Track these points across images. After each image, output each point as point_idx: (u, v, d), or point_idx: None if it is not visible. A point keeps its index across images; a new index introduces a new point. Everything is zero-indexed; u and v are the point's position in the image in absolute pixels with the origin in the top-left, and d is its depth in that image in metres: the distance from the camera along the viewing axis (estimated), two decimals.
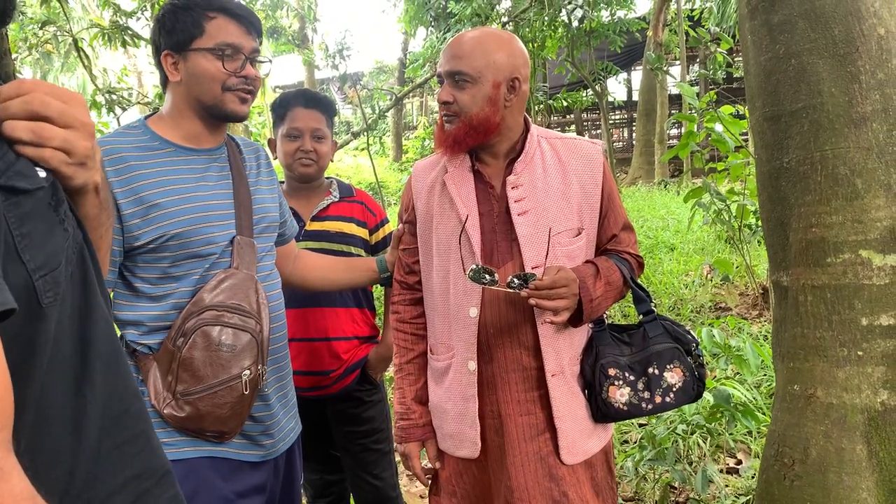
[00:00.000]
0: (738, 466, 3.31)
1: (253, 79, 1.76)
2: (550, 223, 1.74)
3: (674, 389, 1.80)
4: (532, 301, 1.63)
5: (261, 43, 1.82)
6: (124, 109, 8.62)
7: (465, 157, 1.85)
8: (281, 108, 2.45)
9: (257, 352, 1.71)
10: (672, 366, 1.80)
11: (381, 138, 22.34)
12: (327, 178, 2.59)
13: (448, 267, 1.82)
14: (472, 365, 1.78)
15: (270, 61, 1.93)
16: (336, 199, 2.49)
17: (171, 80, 1.74)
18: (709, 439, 3.29)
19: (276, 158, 2.52)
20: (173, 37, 1.71)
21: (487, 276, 1.67)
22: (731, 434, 3.39)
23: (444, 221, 1.84)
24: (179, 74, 1.73)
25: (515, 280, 1.65)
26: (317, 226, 2.44)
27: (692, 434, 3.27)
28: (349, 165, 19.35)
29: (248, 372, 1.68)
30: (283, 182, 2.57)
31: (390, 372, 3.52)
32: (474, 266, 1.68)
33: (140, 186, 1.66)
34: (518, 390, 1.77)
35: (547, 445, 1.78)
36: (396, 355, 1.98)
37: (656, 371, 1.79)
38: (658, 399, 1.79)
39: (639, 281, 1.90)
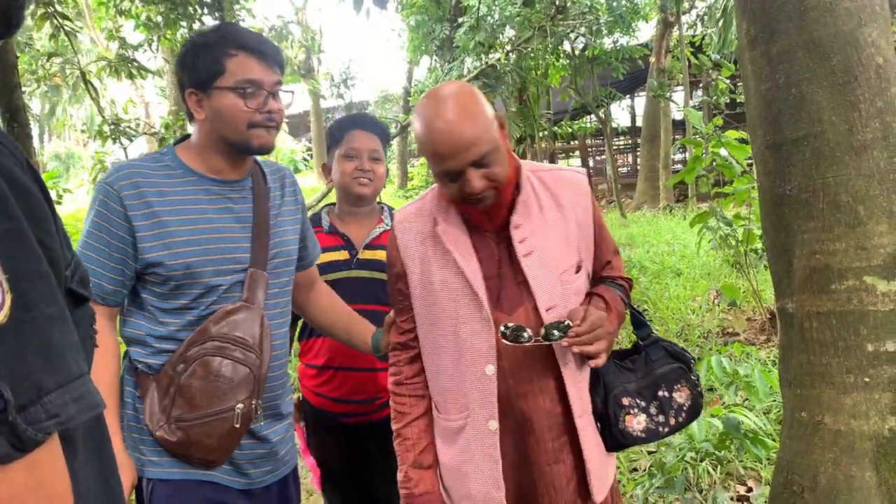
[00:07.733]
0: (749, 494, 3.28)
1: (276, 112, 1.77)
2: (555, 261, 1.68)
3: (684, 408, 1.80)
4: (576, 349, 1.58)
5: (283, 74, 1.83)
6: (131, 140, 8.72)
7: (452, 205, 1.72)
8: (338, 132, 2.50)
9: (253, 387, 1.72)
10: (679, 385, 1.80)
11: (386, 166, 22.38)
12: (379, 203, 2.61)
13: (457, 325, 1.69)
14: (494, 424, 1.66)
15: (293, 93, 1.95)
16: (388, 227, 2.49)
17: (197, 118, 1.76)
18: (719, 467, 3.27)
19: (329, 182, 2.54)
20: (195, 75, 1.72)
21: (525, 334, 1.59)
22: (741, 461, 3.36)
23: (443, 277, 1.71)
24: (204, 112, 1.74)
25: (555, 332, 1.58)
26: (369, 255, 2.44)
27: (702, 461, 3.25)
28: None
29: (241, 406, 1.70)
30: (333, 204, 2.58)
31: None
32: (505, 326, 1.59)
33: (156, 206, 1.67)
34: (546, 439, 1.69)
35: (575, 493, 1.72)
36: (394, 421, 1.83)
37: (666, 393, 1.79)
38: (672, 420, 1.78)
39: (637, 305, 1.90)
